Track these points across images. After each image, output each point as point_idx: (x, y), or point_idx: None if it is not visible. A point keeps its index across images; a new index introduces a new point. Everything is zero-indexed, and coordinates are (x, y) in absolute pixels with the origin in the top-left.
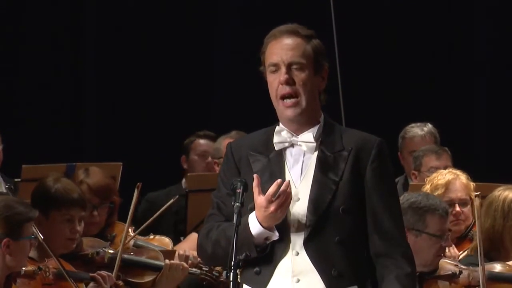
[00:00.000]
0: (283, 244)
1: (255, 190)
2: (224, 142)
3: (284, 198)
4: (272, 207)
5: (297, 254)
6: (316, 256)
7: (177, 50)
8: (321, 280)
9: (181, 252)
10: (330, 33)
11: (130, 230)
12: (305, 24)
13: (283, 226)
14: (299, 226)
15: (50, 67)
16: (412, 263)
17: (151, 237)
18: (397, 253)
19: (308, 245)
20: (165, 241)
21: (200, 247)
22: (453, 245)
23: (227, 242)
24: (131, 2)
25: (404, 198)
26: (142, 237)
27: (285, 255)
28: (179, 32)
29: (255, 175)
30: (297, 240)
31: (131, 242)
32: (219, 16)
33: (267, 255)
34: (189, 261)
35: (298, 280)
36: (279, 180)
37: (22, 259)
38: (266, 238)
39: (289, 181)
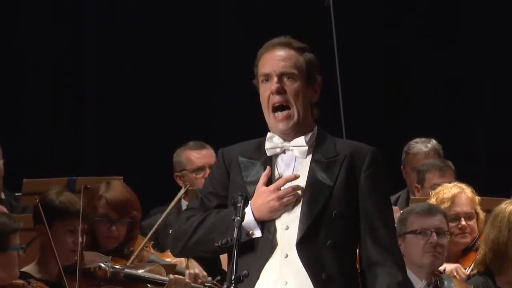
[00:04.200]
0: (271, 246)
1: (263, 178)
2: (182, 154)
3: (291, 189)
4: (274, 195)
5: (286, 256)
6: (307, 259)
7: (177, 64)
8: (310, 283)
9: (191, 271)
10: (331, 45)
11: (149, 245)
12: (305, 35)
13: (272, 228)
14: (290, 229)
15: (51, 81)
16: (403, 271)
17: (166, 252)
18: (389, 261)
19: (300, 247)
20: (180, 258)
21: (176, 233)
22: (460, 266)
23: (207, 229)
24: (133, 9)
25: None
26: (157, 253)
27: (272, 257)
28: (180, 45)
29: (268, 167)
30: (287, 243)
31: (147, 257)
32: (219, 28)
33: (255, 258)
34: (199, 280)
35: (286, 283)
36: (296, 174)
37: (12, 271)
38: (248, 234)
39: (299, 175)
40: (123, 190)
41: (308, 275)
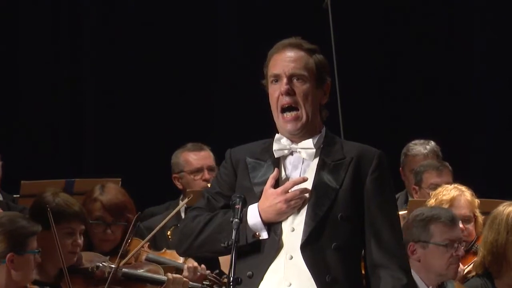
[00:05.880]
0: (276, 247)
1: (271, 181)
2: (180, 156)
3: (298, 192)
4: (281, 197)
5: (291, 258)
6: (311, 261)
7: (177, 64)
8: (314, 284)
9: (190, 264)
10: (329, 47)
11: (145, 245)
12: (304, 36)
13: (278, 230)
14: (296, 231)
15: (49, 84)
16: (408, 274)
17: (163, 251)
18: (393, 264)
19: (304, 249)
20: (177, 255)
21: (182, 232)
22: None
23: (213, 229)
24: (132, 9)
25: (411, 214)
26: (155, 252)
27: (277, 258)
28: (179, 46)
29: (276, 169)
30: (291, 244)
31: (144, 256)
32: (218, 28)
33: (260, 259)
34: (198, 273)
35: (290, 284)
36: (304, 177)
37: (27, 274)
38: (255, 235)
39: (307, 178)
40: (117, 193)
41: (312, 277)
